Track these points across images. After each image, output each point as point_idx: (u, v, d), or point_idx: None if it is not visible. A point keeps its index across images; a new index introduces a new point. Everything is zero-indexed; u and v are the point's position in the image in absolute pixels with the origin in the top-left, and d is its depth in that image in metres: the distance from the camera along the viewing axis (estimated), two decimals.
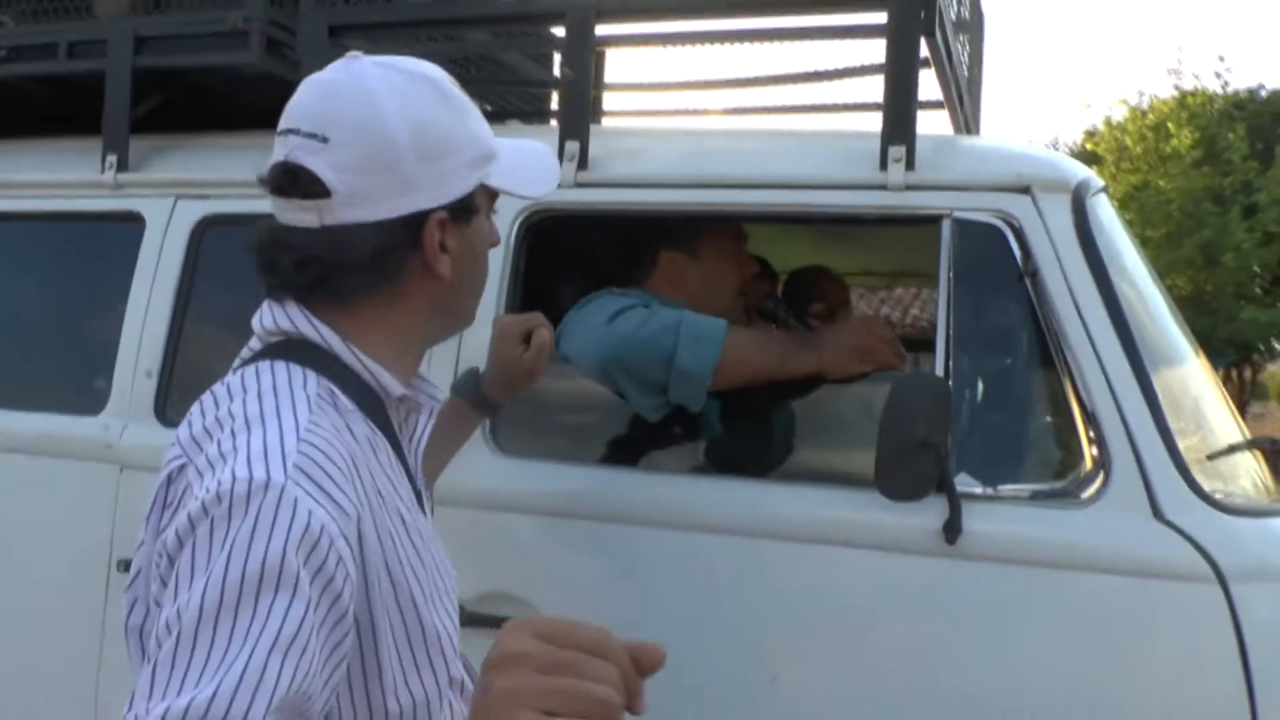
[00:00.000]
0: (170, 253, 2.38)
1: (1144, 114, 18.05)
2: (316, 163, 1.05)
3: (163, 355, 2.32)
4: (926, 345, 2.02)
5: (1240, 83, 20.81)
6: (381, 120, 1.06)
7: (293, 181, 1.06)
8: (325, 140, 1.05)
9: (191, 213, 2.39)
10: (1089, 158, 19.93)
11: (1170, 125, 16.98)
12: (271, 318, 1.10)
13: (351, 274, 1.08)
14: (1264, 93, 21.66)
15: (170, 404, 2.30)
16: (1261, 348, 19.63)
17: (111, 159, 2.49)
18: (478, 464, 1.95)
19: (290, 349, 1.07)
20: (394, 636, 1.00)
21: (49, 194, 2.57)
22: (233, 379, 1.05)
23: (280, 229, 1.09)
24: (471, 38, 2.61)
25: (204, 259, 2.37)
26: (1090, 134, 20.96)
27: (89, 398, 2.38)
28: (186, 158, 2.51)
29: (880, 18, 1.97)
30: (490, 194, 1.17)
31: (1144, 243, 16.43)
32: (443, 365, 1.99)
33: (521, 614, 1.91)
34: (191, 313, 2.35)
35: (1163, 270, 16.24)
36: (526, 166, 1.21)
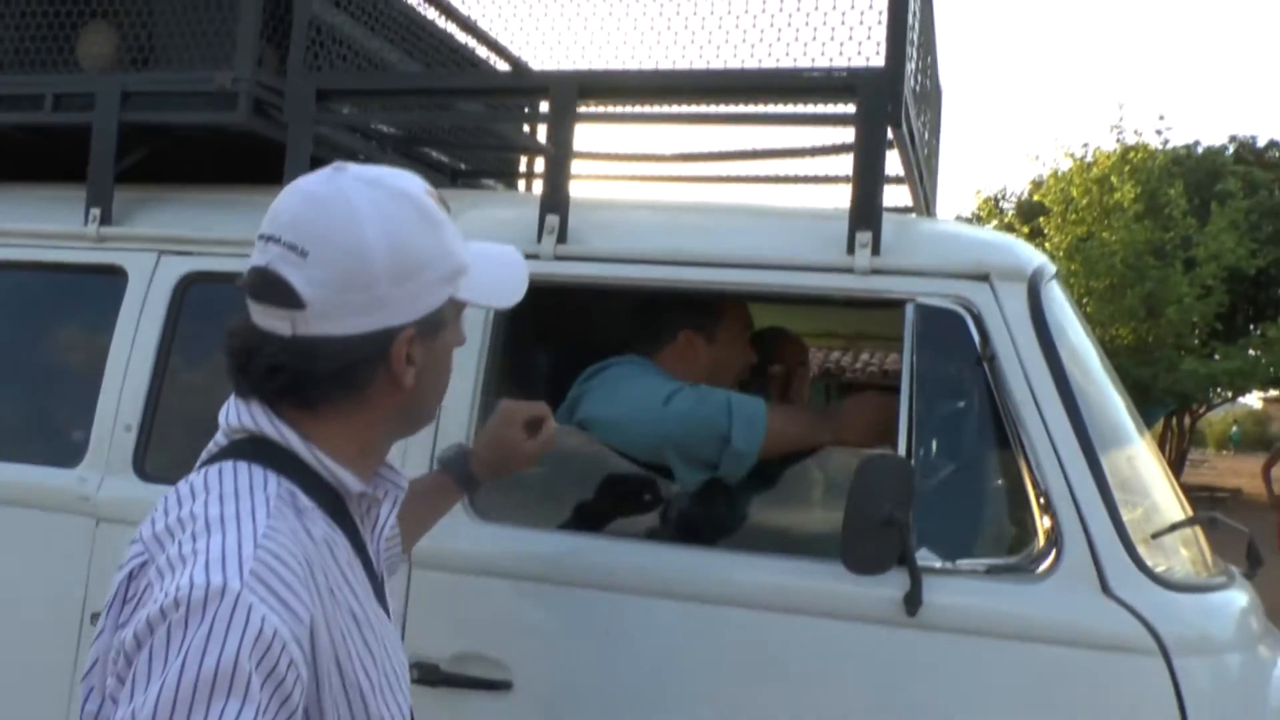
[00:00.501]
0: (152, 308, 2.41)
1: (1088, 166, 18.48)
2: (294, 275, 1.08)
3: (143, 409, 2.34)
4: (878, 389, 2.16)
5: (1178, 139, 21.44)
6: (360, 241, 1.09)
7: (270, 289, 1.09)
8: (304, 254, 1.08)
9: (175, 268, 2.42)
10: (1036, 208, 20.38)
11: (1114, 179, 17.40)
12: (237, 415, 1.14)
13: (319, 383, 1.12)
14: (1200, 149, 22.34)
15: (149, 458, 2.33)
16: (1199, 398, 20.10)
17: (95, 212, 2.52)
18: (456, 529, 2.00)
19: (253, 449, 1.11)
20: None
21: (30, 243, 2.59)
22: (195, 478, 1.10)
23: (253, 333, 1.13)
24: (457, 106, 2.68)
25: (186, 315, 2.40)
26: (1037, 184, 21.42)
27: (67, 450, 2.39)
28: (171, 212, 2.55)
29: (849, 108, 2.08)
30: (459, 304, 1.21)
31: (1088, 293, 16.88)
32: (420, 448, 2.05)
33: (495, 674, 1.97)
34: (173, 368, 2.38)
35: (1106, 320, 16.66)
36: (496, 276, 1.26)
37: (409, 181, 1.17)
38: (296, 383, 1.11)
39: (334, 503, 1.14)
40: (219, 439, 1.16)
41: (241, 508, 1.03)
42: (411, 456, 2.07)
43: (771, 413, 2.06)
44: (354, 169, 1.15)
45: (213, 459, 1.13)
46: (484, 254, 1.25)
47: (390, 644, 1.16)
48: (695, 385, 2.11)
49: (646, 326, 2.32)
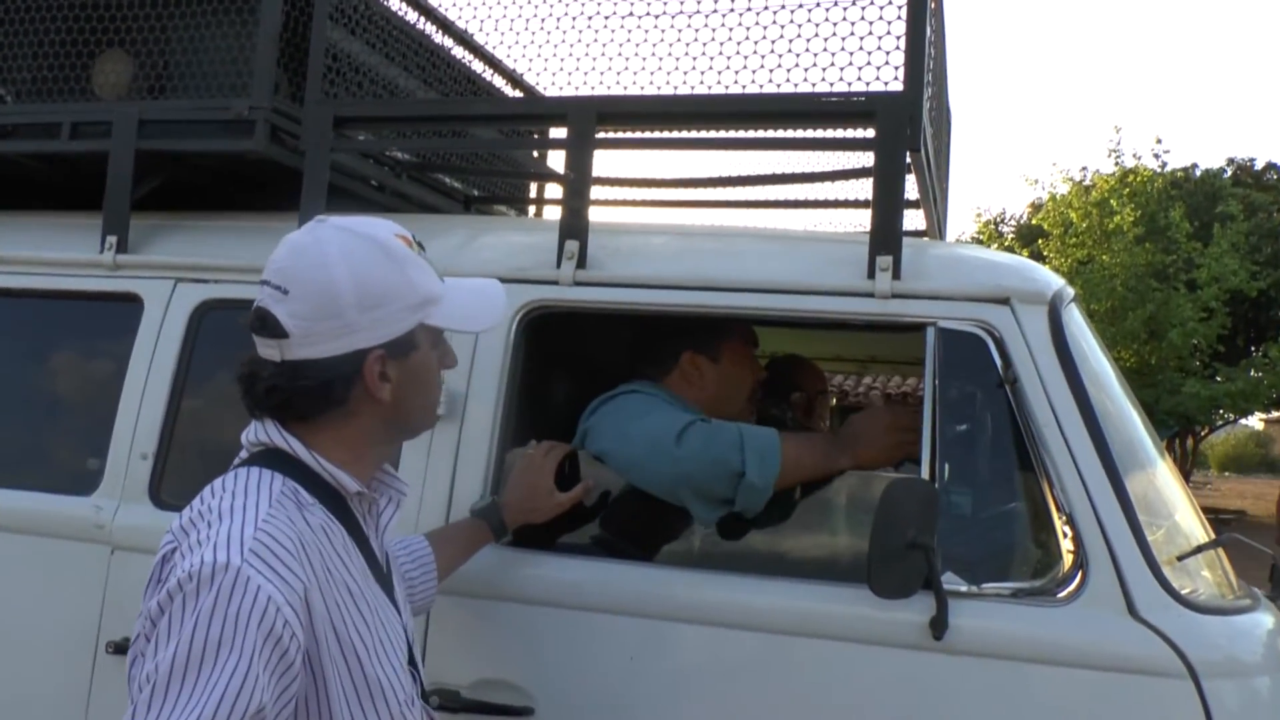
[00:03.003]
0: (169, 335, 2.40)
1: (1087, 190, 18.54)
2: (279, 310, 1.32)
3: (159, 437, 2.34)
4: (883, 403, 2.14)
5: (1176, 162, 21.53)
6: (330, 278, 1.32)
7: (262, 324, 1.34)
8: (286, 293, 1.32)
9: (191, 296, 2.42)
10: (1035, 231, 20.44)
11: (1113, 202, 17.46)
12: (254, 432, 1.38)
13: (306, 399, 1.34)
14: (1198, 172, 22.44)
15: (165, 486, 2.32)
16: (1202, 420, 20.09)
17: (111, 240, 2.53)
18: (476, 554, 1.99)
19: (267, 457, 1.35)
20: (341, 684, 1.25)
21: (47, 272, 2.59)
22: (217, 482, 1.32)
23: (255, 361, 1.36)
24: (473, 133, 2.68)
25: (202, 343, 2.40)
26: (1036, 207, 21.49)
27: (82, 478, 2.39)
28: (187, 240, 2.55)
29: (868, 133, 2.08)
30: (432, 329, 1.41)
31: (1089, 316, 16.86)
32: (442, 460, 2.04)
33: (516, 700, 1.96)
34: (189, 396, 2.37)
35: (1108, 343, 16.67)
36: (470, 305, 1.44)
37: (378, 227, 1.38)
38: (290, 400, 1.34)
39: (335, 500, 1.36)
40: (242, 454, 1.39)
41: (248, 501, 1.25)
42: (432, 475, 2.07)
43: (785, 443, 2.04)
44: (333, 220, 1.38)
45: (233, 468, 1.36)
46: (460, 286, 1.44)
47: (386, 617, 1.36)
48: (707, 419, 2.10)
49: (651, 351, 2.32)
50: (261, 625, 1.14)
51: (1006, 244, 22.12)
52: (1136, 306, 16.73)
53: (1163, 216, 17.39)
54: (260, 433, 1.36)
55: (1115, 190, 17.73)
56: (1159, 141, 33.12)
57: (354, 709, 1.26)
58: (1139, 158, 18.87)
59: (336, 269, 1.32)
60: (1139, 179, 18.04)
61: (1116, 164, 18.57)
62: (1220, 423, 23.65)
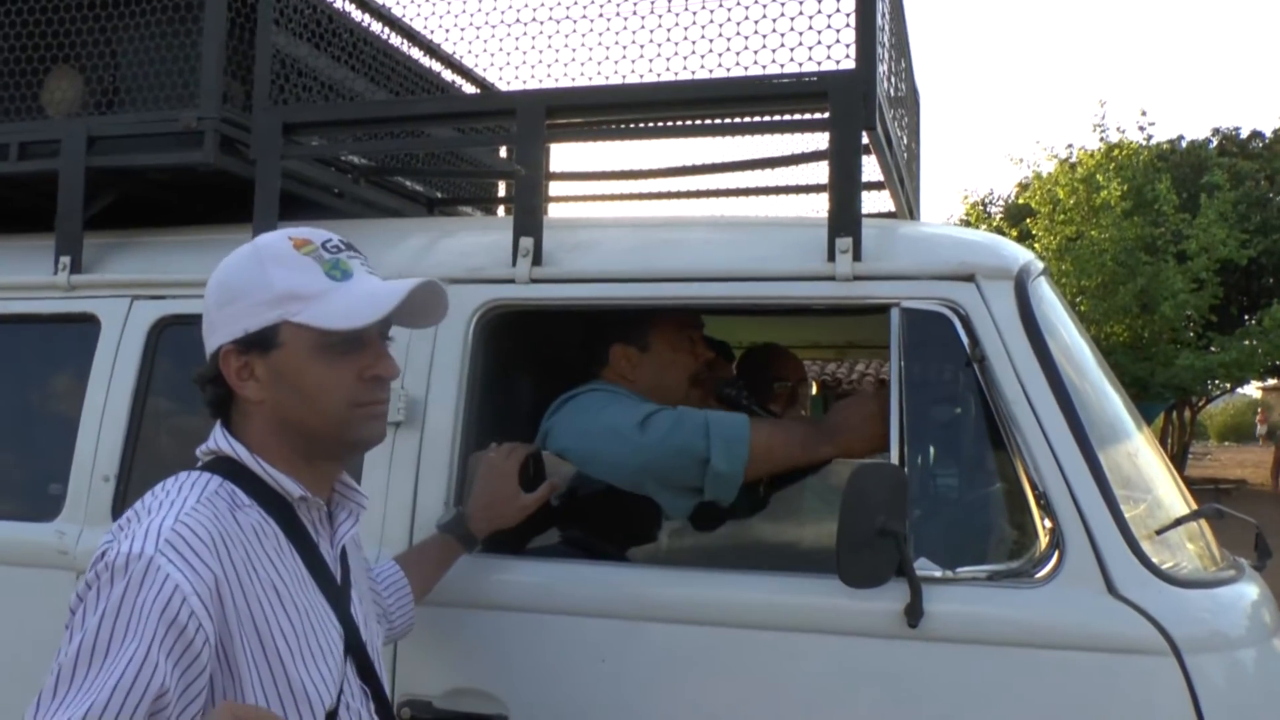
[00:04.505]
0: (127, 354, 2.36)
1: (1073, 167, 18.51)
2: None
3: (120, 459, 2.30)
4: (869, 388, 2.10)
5: (1162, 134, 21.51)
6: (208, 284, 1.42)
7: None
8: None
9: (148, 313, 2.38)
10: (1023, 210, 20.41)
11: (1099, 177, 17.42)
12: (209, 440, 1.42)
13: (208, 400, 1.42)
14: (1184, 143, 22.42)
15: (129, 508, 2.27)
16: (1198, 390, 20.08)
17: (65, 260, 2.49)
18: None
19: (214, 464, 1.39)
20: (260, 684, 1.26)
21: (2, 296, 2.54)
22: (162, 482, 1.36)
23: None
24: (426, 133, 2.64)
25: (161, 360, 2.36)
26: (1024, 187, 21.45)
27: (44, 503, 2.34)
28: (142, 257, 2.51)
29: (822, 114, 2.04)
30: (298, 326, 1.35)
31: (1080, 292, 16.88)
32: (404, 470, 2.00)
33: (489, 709, 1.92)
34: (149, 415, 2.33)
35: (1100, 318, 16.65)
36: (352, 304, 1.36)
37: (270, 236, 1.43)
38: (206, 401, 1.42)
39: (278, 505, 1.37)
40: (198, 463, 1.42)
41: (177, 499, 1.29)
42: (394, 483, 2.03)
43: (756, 430, 1.99)
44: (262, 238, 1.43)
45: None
46: (359, 287, 1.38)
47: (319, 623, 1.35)
48: (675, 408, 2.05)
49: (589, 350, 2.27)
50: (165, 612, 1.17)
51: (995, 224, 22.08)
52: (1127, 280, 16.69)
53: (1150, 189, 17.36)
54: (211, 440, 1.41)
55: (1101, 165, 17.70)
56: (1144, 114, 33.06)
57: (273, 709, 1.27)
58: (1123, 131, 18.86)
59: (213, 275, 1.41)
60: (1125, 153, 18.01)
61: (1102, 139, 18.55)
62: (1216, 393, 23.62)
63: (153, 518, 1.26)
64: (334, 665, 1.36)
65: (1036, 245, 17.60)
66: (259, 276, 1.37)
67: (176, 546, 1.22)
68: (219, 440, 1.40)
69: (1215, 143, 23.19)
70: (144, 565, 1.19)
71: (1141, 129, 19.30)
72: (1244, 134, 24.10)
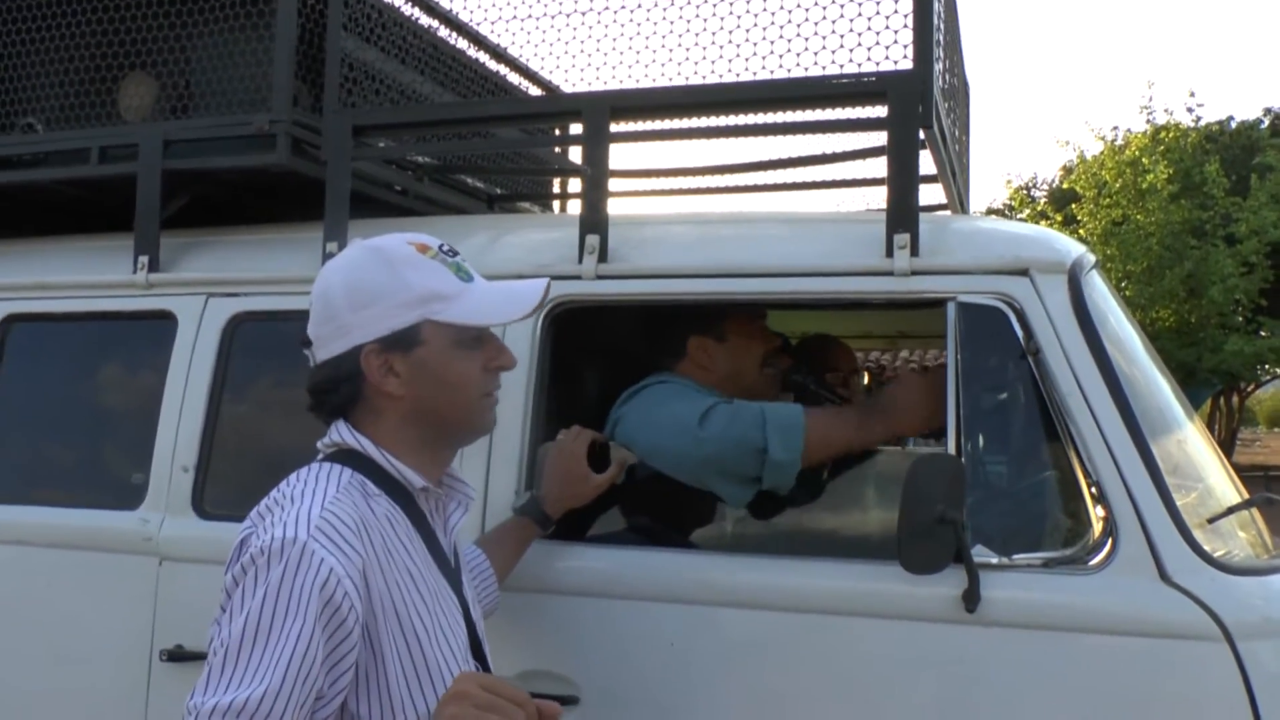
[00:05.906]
0: (203, 350, 2.46)
1: (1119, 149, 18.30)
2: (308, 325, 1.49)
3: (198, 450, 2.39)
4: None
5: (1211, 115, 21.16)
6: (326, 287, 1.46)
7: (304, 339, 1.50)
8: (310, 308, 1.48)
9: (223, 310, 2.47)
10: (1067, 194, 20.21)
11: (1145, 160, 17.22)
12: (329, 435, 1.49)
13: (330, 397, 1.47)
14: (1234, 124, 22.05)
15: (207, 497, 2.38)
16: (1247, 376, 19.79)
17: (143, 260, 2.59)
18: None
19: (339, 455, 1.46)
20: (400, 664, 1.34)
21: (83, 295, 2.65)
22: (292, 475, 1.43)
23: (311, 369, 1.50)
24: (491, 133, 2.71)
25: (236, 355, 2.44)
26: (1068, 170, 21.24)
27: (128, 493, 2.45)
28: (216, 256, 2.60)
29: (880, 111, 2.09)
30: (439, 324, 1.44)
31: (1126, 277, 16.70)
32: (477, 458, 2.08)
33: (561, 690, 2.00)
34: (226, 408, 2.42)
35: (1146, 303, 16.42)
36: (489, 302, 1.47)
37: (387, 239, 1.48)
38: (322, 400, 1.48)
39: (401, 494, 1.45)
40: (318, 456, 1.49)
41: (317, 489, 1.37)
42: (466, 475, 2.10)
43: (811, 418, 2.05)
44: (361, 239, 1.50)
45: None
46: (491, 287, 1.50)
47: (447, 605, 1.44)
48: (731, 400, 2.12)
49: (663, 342, 2.34)
50: (323, 593, 1.25)
51: (1039, 209, 21.88)
52: (1174, 265, 16.51)
53: (1198, 172, 17.12)
54: (334, 434, 1.48)
55: (1148, 148, 17.48)
56: (1192, 95, 32.58)
57: (412, 689, 1.34)
58: (1171, 113, 18.60)
59: (333, 278, 1.46)
60: (1172, 135, 17.77)
61: (1149, 121, 18.31)
62: (1266, 378, 23.29)
63: (298, 505, 1.33)
64: (461, 644, 1.44)
65: (1081, 230, 17.43)
66: (395, 280, 1.43)
67: (326, 532, 1.30)
68: (344, 434, 1.46)
69: (1267, 123, 22.79)
70: (299, 549, 1.26)
71: (1190, 110, 19.04)
72: None
